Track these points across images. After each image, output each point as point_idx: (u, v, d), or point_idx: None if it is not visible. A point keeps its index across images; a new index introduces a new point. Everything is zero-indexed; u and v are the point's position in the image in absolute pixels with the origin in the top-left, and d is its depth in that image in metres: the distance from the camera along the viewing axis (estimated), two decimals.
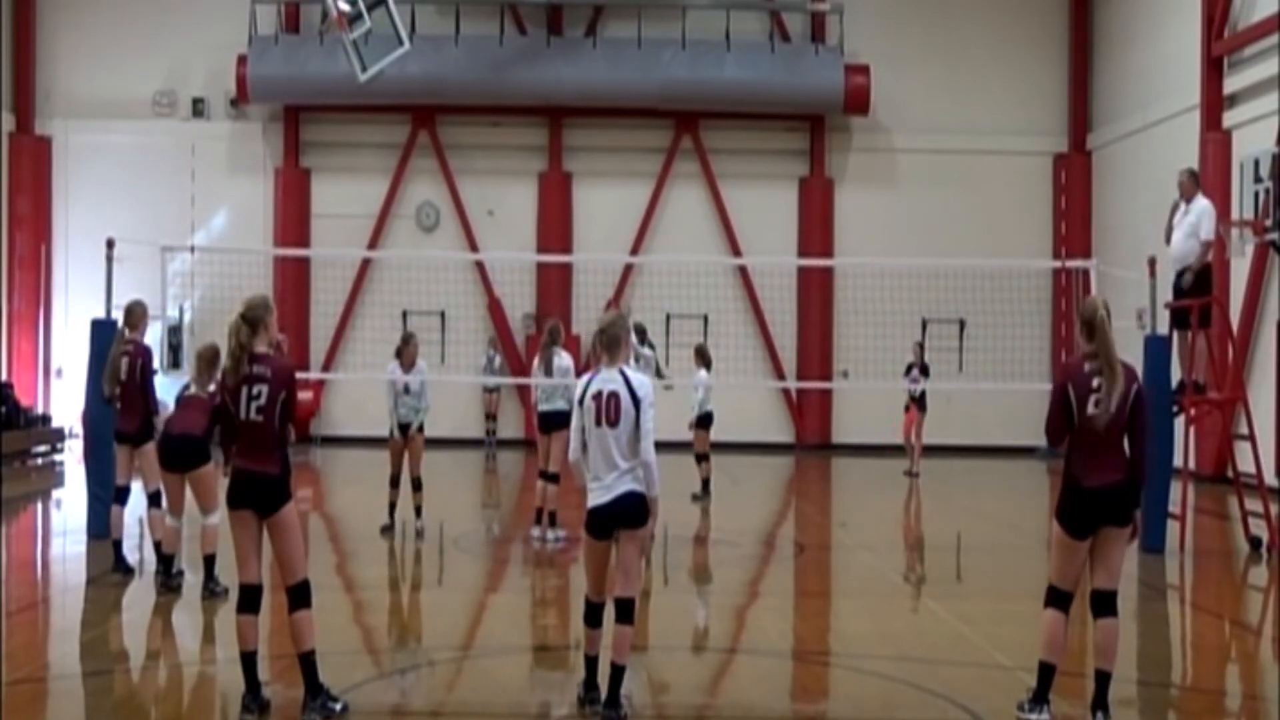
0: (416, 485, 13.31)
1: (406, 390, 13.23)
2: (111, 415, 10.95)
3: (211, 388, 9.87)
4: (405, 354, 13.23)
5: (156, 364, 14.07)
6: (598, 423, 6.77)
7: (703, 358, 16.82)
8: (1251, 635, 9.92)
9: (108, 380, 10.63)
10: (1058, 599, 6.78)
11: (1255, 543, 12.80)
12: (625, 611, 6.84)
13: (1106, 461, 6.62)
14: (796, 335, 25.26)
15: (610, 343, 6.94)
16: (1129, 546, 6.83)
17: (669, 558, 13.07)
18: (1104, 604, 6.74)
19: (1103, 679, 6.72)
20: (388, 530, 13.19)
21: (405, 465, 13.29)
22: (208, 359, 9.97)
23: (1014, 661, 7.94)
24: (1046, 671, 6.77)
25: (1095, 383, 6.61)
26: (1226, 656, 9.22)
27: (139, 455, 10.69)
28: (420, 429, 13.35)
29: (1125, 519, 6.68)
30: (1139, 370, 13.17)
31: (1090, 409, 6.60)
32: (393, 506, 13.30)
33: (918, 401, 19.78)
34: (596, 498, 6.81)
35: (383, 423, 13.61)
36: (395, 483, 13.30)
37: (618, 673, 6.75)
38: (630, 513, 6.80)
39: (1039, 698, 6.77)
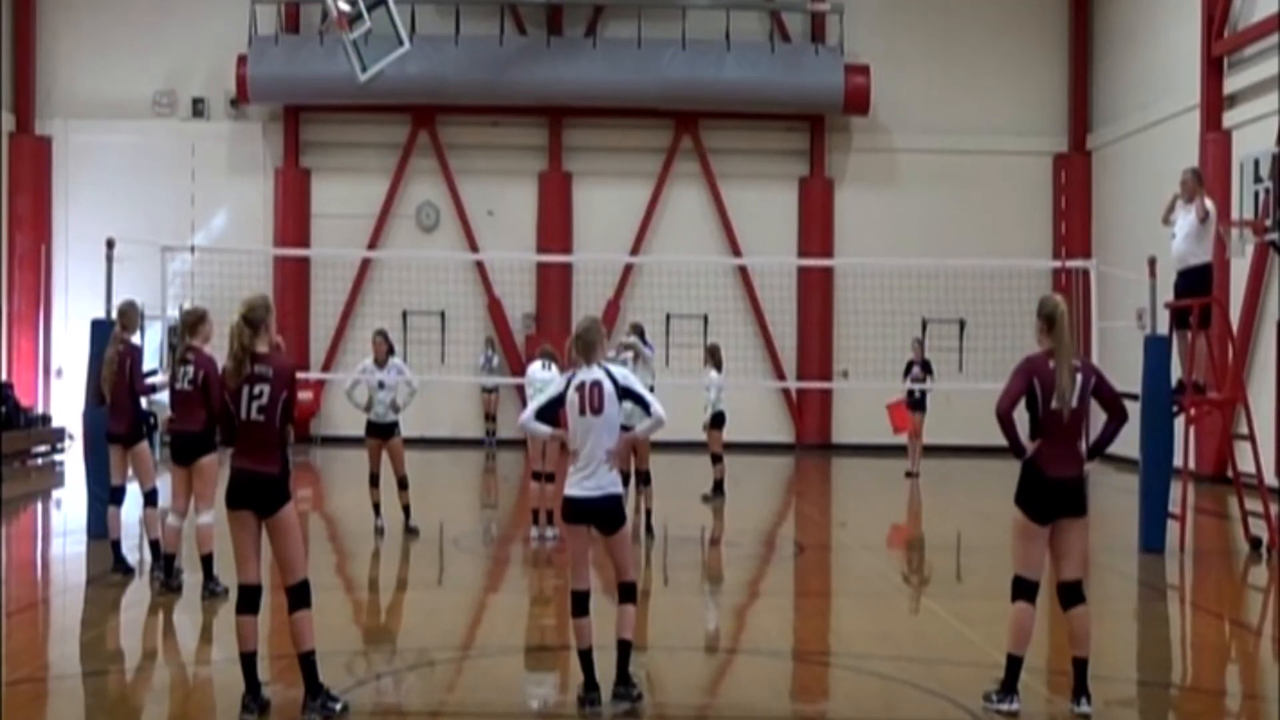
0: (402, 485, 13.34)
1: (381, 386, 13.23)
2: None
3: (198, 343, 9.82)
4: (374, 350, 13.27)
5: (155, 364, 14.13)
6: (582, 411, 6.97)
7: (714, 358, 16.82)
8: (1251, 635, 9.92)
9: (105, 381, 10.63)
10: (1024, 590, 6.93)
11: (1255, 543, 12.79)
12: (627, 592, 7.05)
13: (1068, 454, 6.92)
14: (796, 335, 25.26)
15: (586, 348, 7.12)
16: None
17: (669, 558, 13.08)
18: (1073, 594, 6.95)
19: (1081, 666, 6.91)
20: (380, 531, 13.21)
21: (387, 465, 13.32)
22: (191, 324, 9.92)
23: None
24: (1015, 664, 6.93)
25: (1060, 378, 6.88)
26: (1226, 656, 9.22)
27: (132, 455, 10.69)
28: (397, 430, 13.35)
29: (1082, 509, 6.94)
30: (1138, 370, 13.24)
31: (1055, 403, 6.87)
32: (376, 507, 13.35)
33: (915, 403, 19.79)
34: (576, 489, 6.98)
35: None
36: (375, 481, 13.38)
37: (625, 648, 6.95)
38: (607, 516, 7.00)
39: (1008, 688, 6.91)
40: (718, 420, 16.61)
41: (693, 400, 16.76)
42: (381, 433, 13.30)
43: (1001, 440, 6.97)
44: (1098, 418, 7.13)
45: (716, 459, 16.66)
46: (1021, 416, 6.89)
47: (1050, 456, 6.87)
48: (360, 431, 13.62)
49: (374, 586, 11.49)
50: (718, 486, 16.62)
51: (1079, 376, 6.91)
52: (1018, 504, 6.94)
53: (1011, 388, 6.95)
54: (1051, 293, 7.19)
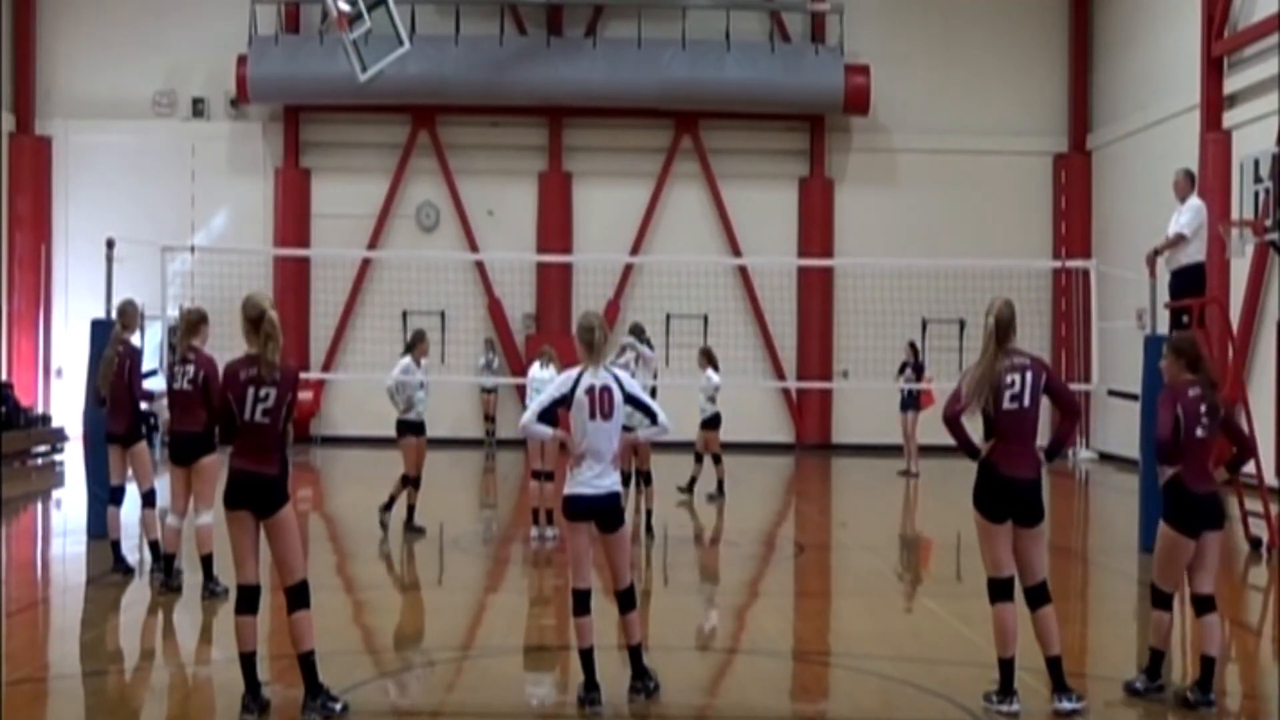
0: (417, 484, 13.37)
1: (421, 386, 13.30)
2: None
3: (198, 343, 9.82)
4: (420, 350, 13.33)
5: (155, 364, 14.12)
6: (591, 416, 7.03)
7: (709, 359, 16.75)
8: (1251, 635, 9.93)
9: (103, 381, 10.63)
10: (1000, 590, 7.00)
11: (1255, 543, 12.80)
12: (626, 601, 7.14)
13: (1021, 455, 6.94)
14: (796, 335, 25.26)
15: (604, 339, 7.20)
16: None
17: (669, 558, 13.08)
18: (1035, 597, 7.04)
19: (1054, 663, 7.01)
20: (421, 531, 13.18)
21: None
22: (192, 323, 9.90)
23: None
24: (1008, 665, 6.99)
25: (1009, 379, 6.92)
26: (1226, 656, 9.21)
27: (130, 455, 10.69)
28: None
29: (1036, 518, 6.98)
30: (1138, 370, 13.23)
31: (1006, 404, 6.91)
32: (412, 510, 13.30)
33: (909, 404, 19.79)
34: (580, 487, 7.05)
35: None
36: (418, 484, 13.35)
37: (636, 650, 7.13)
38: (608, 513, 7.07)
39: (1005, 689, 6.97)
40: (715, 421, 16.54)
41: (693, 400, 16.75)
42: (421, 431, 13.34)
43: None
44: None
45: (717, 459, 16.66)
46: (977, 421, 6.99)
47: (1003, 455, 6.91)
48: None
49: (374, 586, 11.49)
50: (720, 485, 16.65)
51: (1028, 375, 6.92)
52: (974, 504, 7.01)
53: (958, 392, 7.02)
54: (996, 299, 7.17)
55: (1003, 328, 6.98)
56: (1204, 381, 7.21)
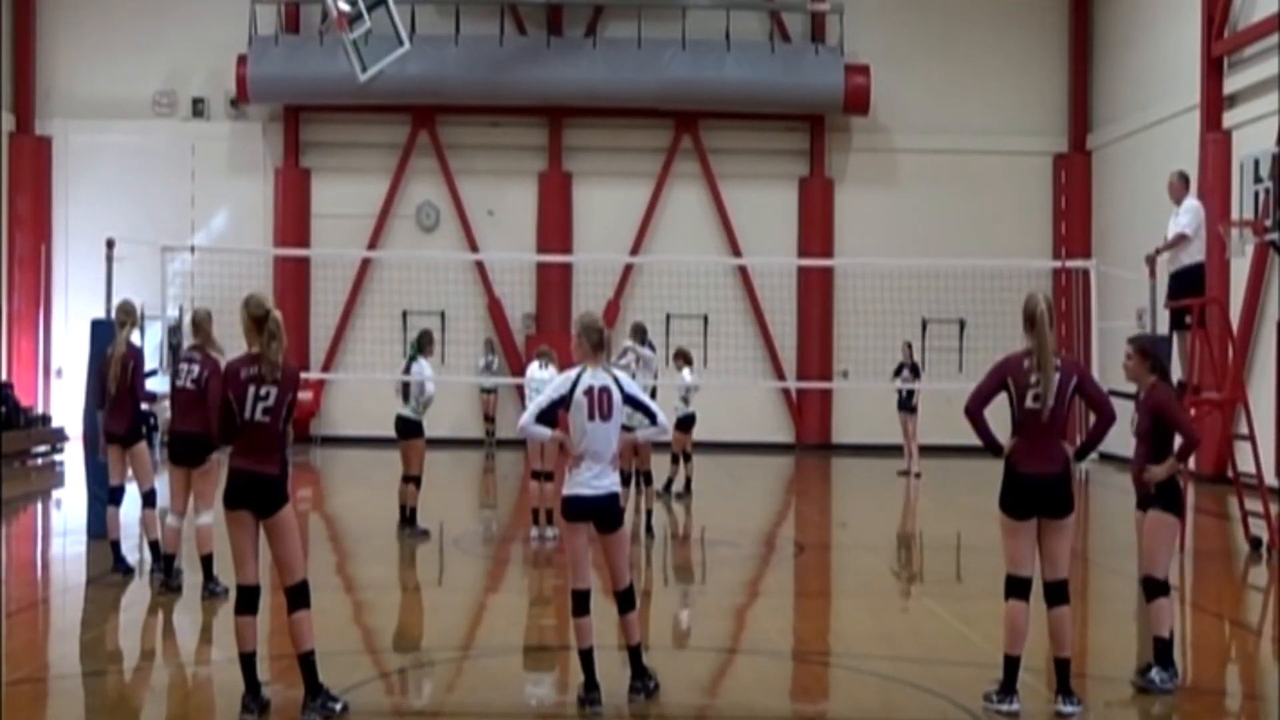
0: (418, 483, 13.36)
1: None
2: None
3: (211, 347, 9.82)
4: (430, 349, 13.35)
5: (155, 364, 14.12)
6: (590, 416, 7.02)
7: (685, 359, 16.68)
8: (1251, 635, 9.93)
9: (114, 380, 10.61)
10: (1014, 587, 6.99)
11: (1255, 543, 12.80)
12: (625, 601, 7.13)
13: (1043, 452, 6.92)
14: (796, 335, 25.26)
15: (603, 339, 7.20)
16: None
17: (669, 558, 13.08)
18: (1054, 594, 7.02)
19: (1062, 665, 6.99)
20: (426, 534, 13.15)
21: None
22: (198, 325, 9.93)
23: None
24: (1012, 663, 6.96)
25: (1034, 378, 6.92)
26: (1226, 656, 9.23)
27: (130, 455, 10.68)
28: None
29: (1062, 511, 6.96)
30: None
31: (1029, 403, 6.91)
32: (415, 511, 13.27)
33: (906, 405, 19.78)
34: (578, 488, 7.04)
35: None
36: (420, 483, 13.33)
37: (635, 651, 7.13)
38: (607, 513, 7.06)
39: (1007, 688, 6.95)
40: (687, 422, 16.41)
41: (695, 400, 16.74)
42: (423, 431, 13.35)
43: (1003, 440, 7.00)
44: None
45: (688, 457, 16.61)
46: (1004, 415, 6.96)
47: (1024, 453, 6.93)
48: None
49: (374, 586, 11.48)
50: (687, 484, 16.61)
51: (1058, 375, 6.90)
52: (999, 504, 7.03)
53: (982, 386, 7.03)
54: (1035, 292, 7.18)
55: (1036, 320, 6.94)
56: (1170, 385, 7.42)
